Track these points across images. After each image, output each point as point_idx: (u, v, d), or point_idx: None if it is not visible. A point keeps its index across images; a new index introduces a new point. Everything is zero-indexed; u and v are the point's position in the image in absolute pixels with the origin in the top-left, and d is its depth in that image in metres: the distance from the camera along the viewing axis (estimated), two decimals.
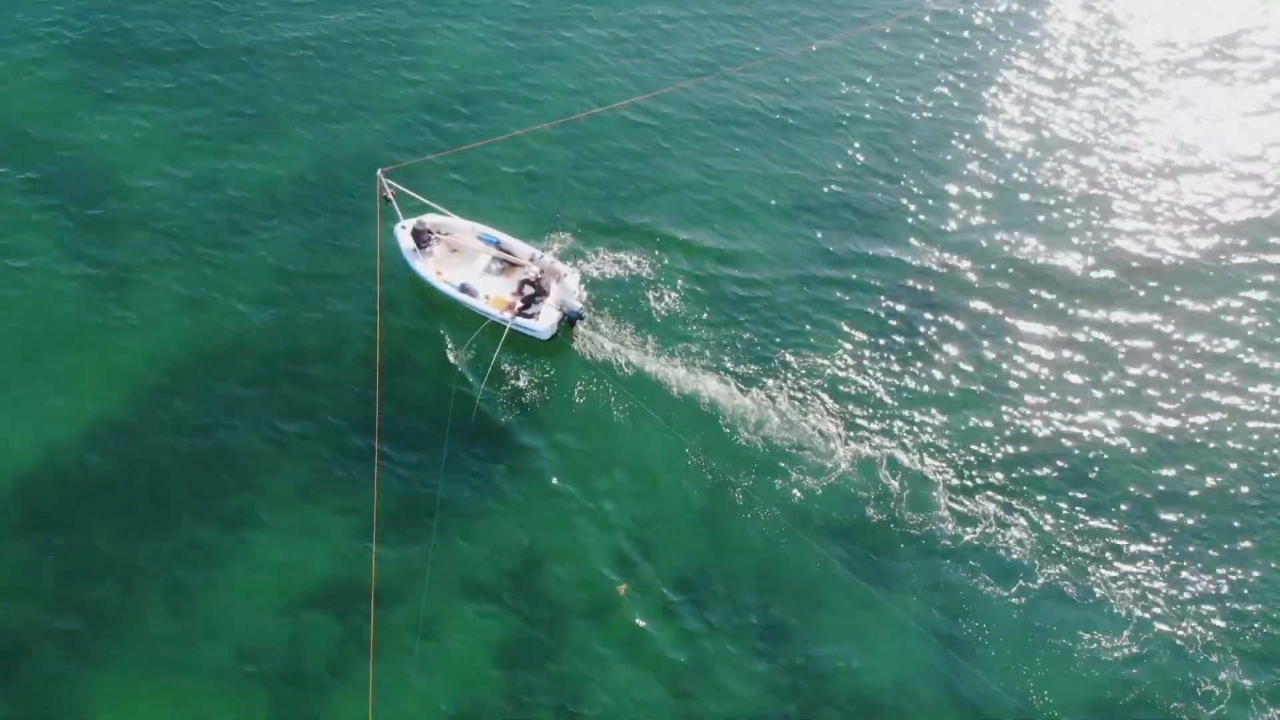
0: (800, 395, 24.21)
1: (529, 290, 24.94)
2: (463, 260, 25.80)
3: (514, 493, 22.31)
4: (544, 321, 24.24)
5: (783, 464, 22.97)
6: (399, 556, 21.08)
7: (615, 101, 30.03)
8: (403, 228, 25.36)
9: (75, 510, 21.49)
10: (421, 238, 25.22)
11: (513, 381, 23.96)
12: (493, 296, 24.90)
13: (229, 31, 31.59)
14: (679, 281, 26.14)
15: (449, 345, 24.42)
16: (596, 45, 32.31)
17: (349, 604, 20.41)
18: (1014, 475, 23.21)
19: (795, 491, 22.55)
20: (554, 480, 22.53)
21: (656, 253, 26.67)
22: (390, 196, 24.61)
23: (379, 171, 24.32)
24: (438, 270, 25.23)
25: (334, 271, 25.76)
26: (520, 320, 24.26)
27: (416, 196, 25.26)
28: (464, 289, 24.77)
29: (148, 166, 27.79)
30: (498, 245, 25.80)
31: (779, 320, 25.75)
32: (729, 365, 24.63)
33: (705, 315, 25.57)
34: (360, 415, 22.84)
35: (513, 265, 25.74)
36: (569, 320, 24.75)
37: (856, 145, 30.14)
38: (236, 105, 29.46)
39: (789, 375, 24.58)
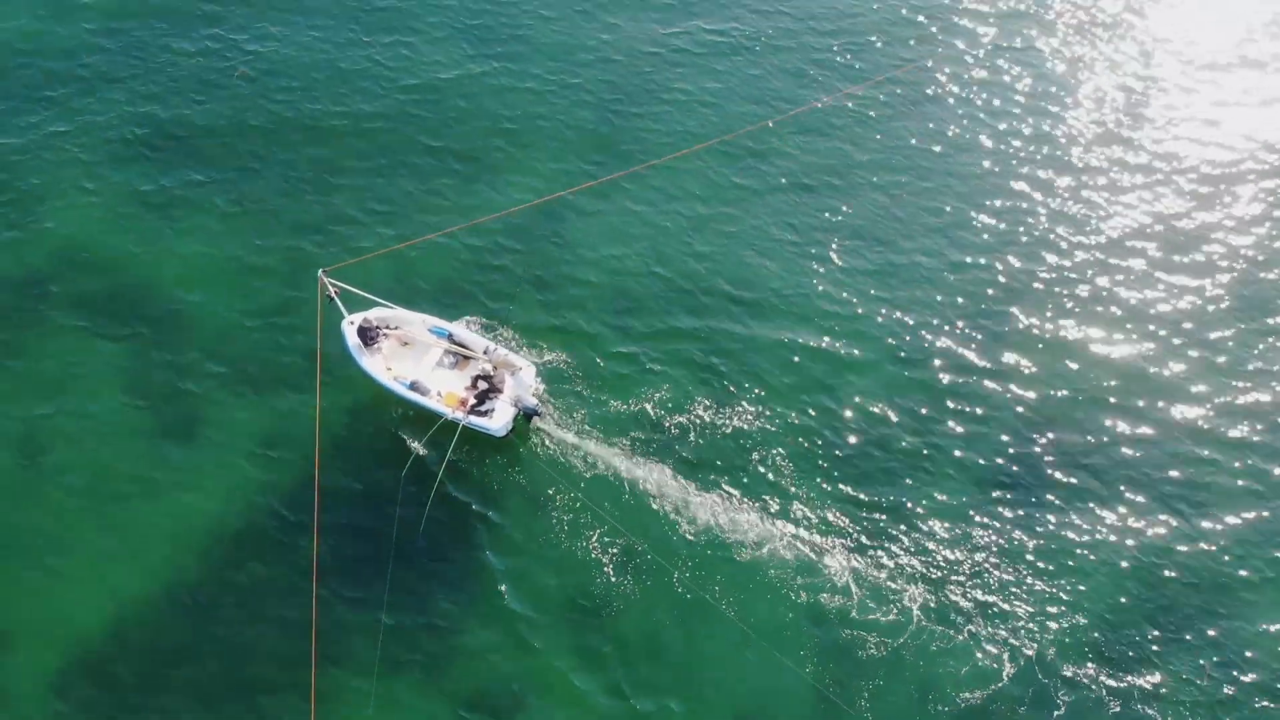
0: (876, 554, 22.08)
1: (483, 385, 23.89)
2: (414, 354, 24.71)
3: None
4: (498, 420, 23.17)
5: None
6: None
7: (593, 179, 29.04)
8: (350, 323, 24.27)
9: (147, 684, 19.66)
10: (368, 334, 24.14)
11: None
12: (444, 394, 23.82)
13: (298, 142, 29.73)
14: (711, 397, 24.73)
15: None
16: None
17: None
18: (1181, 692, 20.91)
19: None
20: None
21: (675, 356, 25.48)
22: (334, 295, 23.57)
23: (320, 271, 23.31)
24: (387, 366, 24.15)
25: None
26: (474, 419, 23.18)
27: (363, 294, 24.19)
28: (414, 387, 23.67)
29: (209, 288, 25.86)
30: (450, 338, 24.77)
31: (865, 459, 23.89)
32: (776, 500, 22.77)
33: (742, 437, 23.96)
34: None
35: (467, 358, 24.70)
36: (525, 416, 23.70)
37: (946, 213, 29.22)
38: (303, 220, 27.66)
39: (864, 534, 22.50)
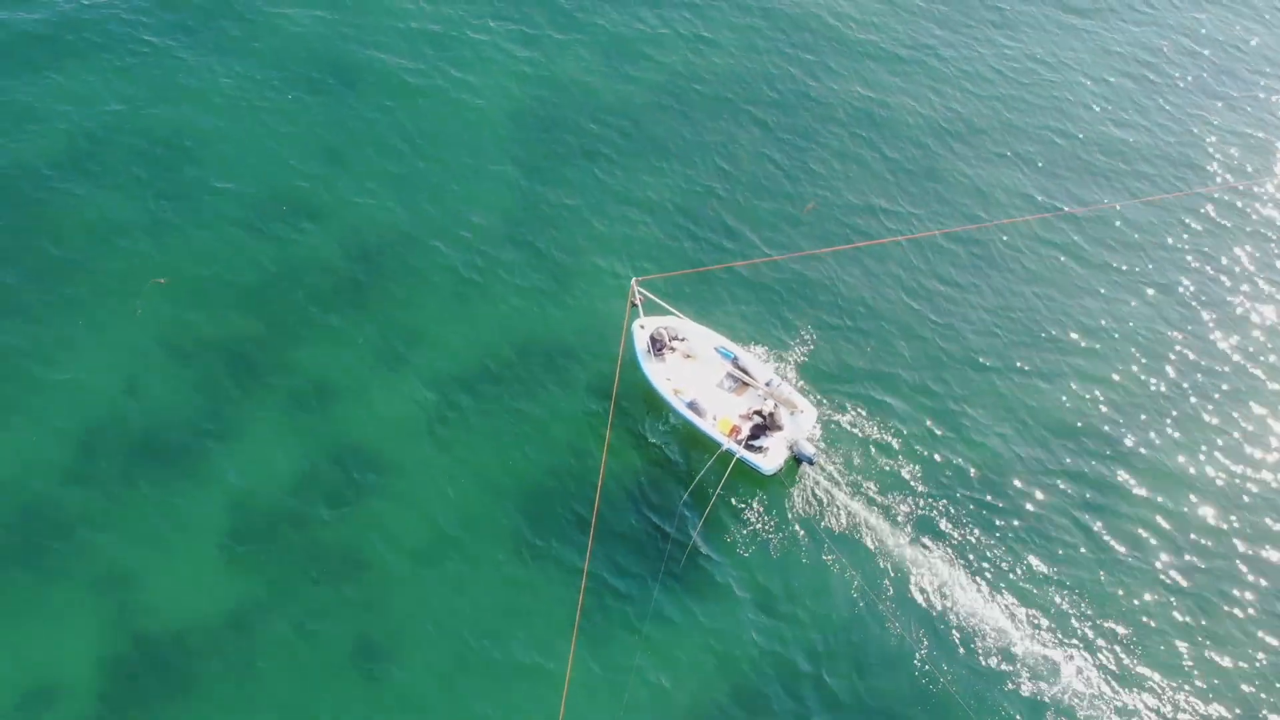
0: None
1: (758, 419, 23.42)
2: (696, 369, 24.53)
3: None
4: (770, 461, 22.75)
5: None
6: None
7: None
8: (640, 327, 24.33)
9: None
10: (657, 343, 24.08)
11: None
12: (719, 419, 23.51)
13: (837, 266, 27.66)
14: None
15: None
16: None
17: None
18: None
19: None
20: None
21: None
22: (638, 303, 23.57)
23: (634, 280, 23.32)
24: (668, 377, 24.04)
25: None
26: (747, 454, 22.79)
27: (666, 306, 24.13)
28: (692, 406, 23.50)
29: None
30: (734, 361, 24.38)
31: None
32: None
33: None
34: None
35: (746, 385, 24.26)
36: (796, 461, 23.12)
37: None
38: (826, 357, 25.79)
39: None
